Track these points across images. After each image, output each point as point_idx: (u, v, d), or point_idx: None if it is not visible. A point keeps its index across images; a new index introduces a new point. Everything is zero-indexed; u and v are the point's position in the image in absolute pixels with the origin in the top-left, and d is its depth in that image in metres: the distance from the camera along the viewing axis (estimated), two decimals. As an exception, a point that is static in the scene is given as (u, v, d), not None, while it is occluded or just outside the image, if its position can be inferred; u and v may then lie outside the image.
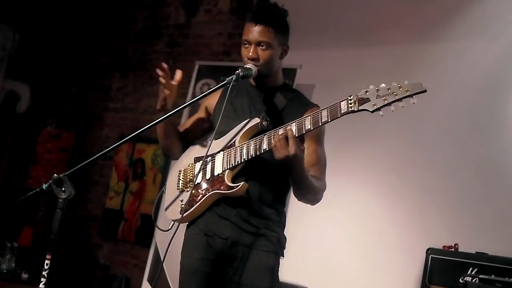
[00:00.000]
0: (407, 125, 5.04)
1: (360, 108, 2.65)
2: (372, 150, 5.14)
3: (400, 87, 2.59)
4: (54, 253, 2.51)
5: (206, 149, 3.00)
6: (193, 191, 3.06)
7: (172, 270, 5.39)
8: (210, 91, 2.99)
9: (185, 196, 3.08)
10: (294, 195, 3.06)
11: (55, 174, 2.57)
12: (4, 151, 7.69)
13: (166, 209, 3.17)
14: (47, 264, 2.50)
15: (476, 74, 4.84)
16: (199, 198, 3.03)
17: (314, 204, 3.12)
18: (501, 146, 4.66)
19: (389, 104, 2.61)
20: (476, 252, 4.23)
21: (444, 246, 4.37)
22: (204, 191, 3.04)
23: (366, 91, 2.66)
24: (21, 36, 7.73)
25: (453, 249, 4.34)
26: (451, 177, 4.81)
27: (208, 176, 3.05)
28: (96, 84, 7.95)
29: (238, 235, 2.98)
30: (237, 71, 2.93)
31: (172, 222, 3.12)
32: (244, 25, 3.07)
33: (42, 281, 2.50)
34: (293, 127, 2.80)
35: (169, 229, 3.12)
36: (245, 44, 3.03)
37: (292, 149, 2.71)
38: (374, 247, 4.97)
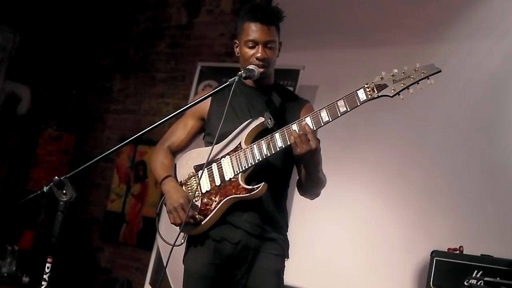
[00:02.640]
0: (411, 126, 5.02)
1: (379, 94, 2.74)
2: (375, 152, 5.11)
3: (415, 70, 2.70)
4: (55, 256, 2.51)
5: (207, 155, 2.96)
6: (204, 200, 3.02)
7: (175, 273, 5.35)
8: (213, 92, 2.99)
9: (195, 207, 3.03)
10: (301, 189, 3.12)
11: (56, 177, 2.55)
12: (4, 153, 7.66)
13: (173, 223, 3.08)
14: (48, 268, 2.50)
15: (481, 74, 4.80)
16: (213, 206, 2.99)
17: (314, 198, 3.18)
18: (506, 147, 4.62)
19: (407, 87, 2.70)
20: (481, 254, 4.18)
21: (448, 249, 4.32)
22: (217, 198, 2.99)
23: (381, 78, 2.74)
24: (21, 37, 7.70)
25: (457, 252, 4.29)
26: (455, 178, 4.78)
27: (218, 182, 3.02)
28: (97, 85, 7.93)
29: (249, 239, 2.99)
30: (240, 72, 2.96)
31: (185, 236, 3.07)
32: (242, 25, 3.08)
33: (43, 285, 2.50)
34: (308, 121, 2.82)
35: (182, 243, 3.08)
36: (250, 44, 3.02)
37: (313, 143, 2.76)
38: (378, 249, 4.94)
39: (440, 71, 2.70)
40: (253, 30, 3.00)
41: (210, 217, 2.98)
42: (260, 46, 3.00)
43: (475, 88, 4.83)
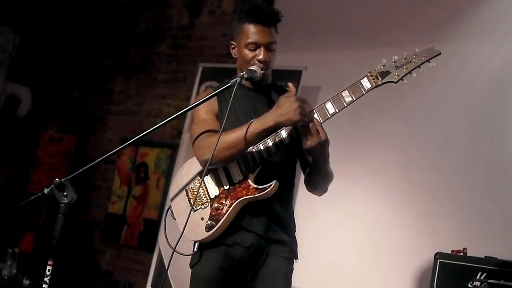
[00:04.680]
0: (414, 127, 5.01)
1: (384, 81, 2.79)
2: (378, 153, 5.10)
3: (415, 55, 2.79)
4: (56, 258, 2.49)
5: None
6: (214, 205, 2.99)
7: (176, 275, 5.34)
8: (216, 93, 2.95)
9: (205, 213, 2.99)
10: (311, 185, 3.12)
11: (57, 179, 2.54)
12: (5, 155, 7.65)
13: (184, 232, 2.96)
14: (49, 270, 2.48)
15: (484, 75, 4.80)
16: (224, 210, 2.95)
17: (322, 195, 3.18)
18: (509, 148, 4.62)
19: (409, 72, 2.79)
20: (485, 256, 4.17)
21: (452, 251, 4.30)
22: (228, 201, 2.96)
23: (383, 65, 2.81)
24: (22, 39, 7.70)
25: (461, 254, 4.28)
26: (459, 180, 4.77)
27: (226, 185, 2.98)
28: (98, 87, 7.91)
29: (261, 242, 2.98)
30: (242, 73, 2.93)
31: (197, 244, 3.02)
32: (241, 26, 3.04)
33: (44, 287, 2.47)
34: (314, 114, 2.82)
35: (194, 252, 3.04)
36: (251, 46, 3.00)
37: (323, 134, 2.76)
38: (381, 251, 4.93)
39: (440, 53, 2.78)
40: (255, 33, 2.98)
41: (223, 222, 2.93)
42: (262, 48, 2.98)
43: (478, 89, 4.82)
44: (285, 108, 2.74)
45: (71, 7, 7.90)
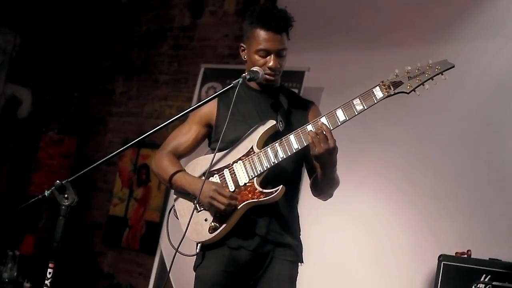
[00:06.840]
0: (417, 129, 4.99)
1: (396, 91, 2.80)
2: (382, 155, 5.09)
3: (429, 66, 2.80)
4: (57, 261, 2.49)
5: (216, 160, 2.96)
6: None
7: (178, 278, 5.32)
8: (217, 94, 2.95)
9: (209, 215, 2.98)
10: (316, 190, 3.11)
11: (58, 181, 2.54)
12: (5, 157, 7.66)
13: (186, 233, 2.96)
14: (49, 273, 2.48)
15: (489, 76, 4.78)
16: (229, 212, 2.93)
17: (327, 199, 3.17)
18: (514, 149, 4.58)
19: (422, 83, 2.80)
20: (489, 258, 4.16)
21: (456, 253, 4.30)
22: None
23: (396, 75, 2.81)
24: (22, 40, 7.71)
25: (465, 256, 4.27)
26: (463, 182, 4.75)
27: (232, 188, 2.96)
28: (99, 88, 7.90)
29: (266, 245, 2.97)
30: (244, 74, 2.93)
31: (199, 245, 3.00)
32: (252, 31, 3.01)
33: (44, 290, 2.47)
34: (324, 120, 2.83)
35: (197, 253, 3.03)
36: (261, 53, 2.98)
37: (331, 142, 2.76)
38: (385, 254, 4.91)
39: (453, 66, 2.80)
40: (266, 39, 2.96)
41: (227, 224, 2.92)
42: (273, 55, 2.97)
43: (483, 89, 4.80)
44: (201, 187, 2.88)
45: (71, 8, 7.90)
